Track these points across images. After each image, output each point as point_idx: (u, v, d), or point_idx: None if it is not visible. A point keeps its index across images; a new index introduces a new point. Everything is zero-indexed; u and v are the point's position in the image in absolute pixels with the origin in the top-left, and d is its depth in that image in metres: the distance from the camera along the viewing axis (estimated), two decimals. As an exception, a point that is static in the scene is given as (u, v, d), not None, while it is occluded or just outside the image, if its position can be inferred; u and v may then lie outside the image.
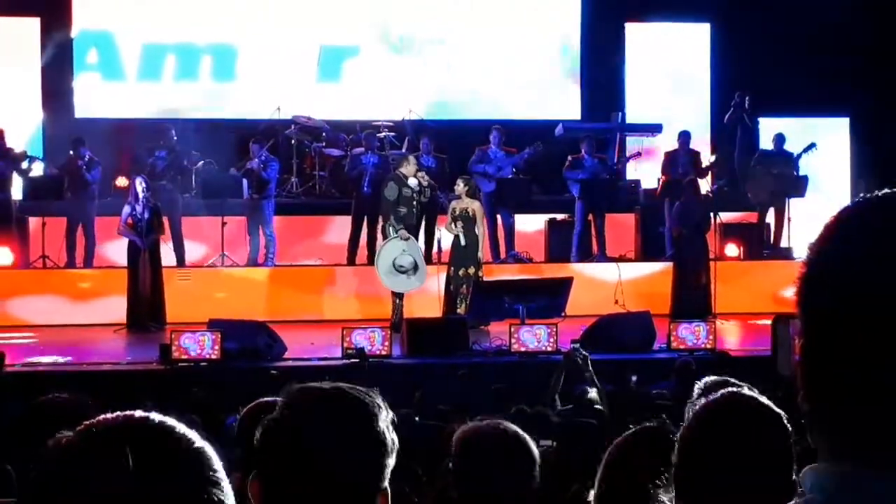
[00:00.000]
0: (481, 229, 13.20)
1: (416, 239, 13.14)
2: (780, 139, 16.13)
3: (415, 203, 12.91)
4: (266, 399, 3.39)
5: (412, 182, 12.89)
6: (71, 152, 14.72)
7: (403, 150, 15.74)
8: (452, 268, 13.03)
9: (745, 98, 16.96)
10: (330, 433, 1.88)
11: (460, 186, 13.15)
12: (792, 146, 16.05)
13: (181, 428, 1.30)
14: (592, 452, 3.06)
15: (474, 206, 13.14)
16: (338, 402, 1.91)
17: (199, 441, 1.30)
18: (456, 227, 13.02)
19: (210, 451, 1.30)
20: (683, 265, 13.89)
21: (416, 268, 12.58)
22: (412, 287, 12.70)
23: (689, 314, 12.57)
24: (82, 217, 14.57)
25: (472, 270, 12.92)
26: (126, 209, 13.19)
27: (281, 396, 1.99)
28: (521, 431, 3.01)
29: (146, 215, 13.12)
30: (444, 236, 13.36)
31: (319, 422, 1.89)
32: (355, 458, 1.87)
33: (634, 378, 9.67)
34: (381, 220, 13.31)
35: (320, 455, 1.86)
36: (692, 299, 13.60)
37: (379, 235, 13.75)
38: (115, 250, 14.12)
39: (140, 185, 13.19)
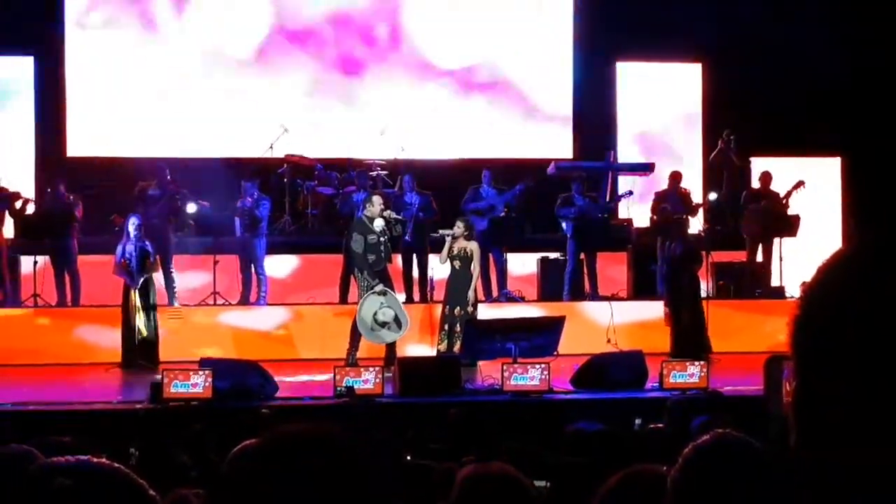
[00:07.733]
0: (477, 270, 13.21)
1: (388, 277, 12.91)
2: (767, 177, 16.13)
3: (382, 247, 12.78)
4: (252, 441, 3.37)
5: (377, 224, 12.77)
6: (48, 190, 14.77)
7: (395, 189, 15.75)
8: (448, 306, 13.03)
9: (731, 138, 17.01)
10: (297, 476, 1.85)
11: (460, 228, 13.16)
12: (784, 185, 16.05)
13: None
14: (585, 493, 3.05)
15: (472, 246, 13.17)
16: (307, 445, 1.88)
17: None
18: (452, 264, 13.04)
19: None
20: (674, 305, 13.85)
21: (397, 320, 12.52)
22: (397, 337, 12.63)
23: (687, 354, 12.54)
24: (62, 255, 14.54)
25: (469, 309, 12.92)
26: (120, 249, 13.19)
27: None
28: (523, 477, 3.00)
29: (137, 254, 13.12)
30: (437, 269, 13.36)
31: (287, 465, 1.86)
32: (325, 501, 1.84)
33: (639, 421, 9.48)
34: (355, 271, 13.02)
35: (288, 499, 1.83)
36: (687, 339, 13.52)
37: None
38: (108, 289, 14.03)
39: (132, 224, 13.20)
